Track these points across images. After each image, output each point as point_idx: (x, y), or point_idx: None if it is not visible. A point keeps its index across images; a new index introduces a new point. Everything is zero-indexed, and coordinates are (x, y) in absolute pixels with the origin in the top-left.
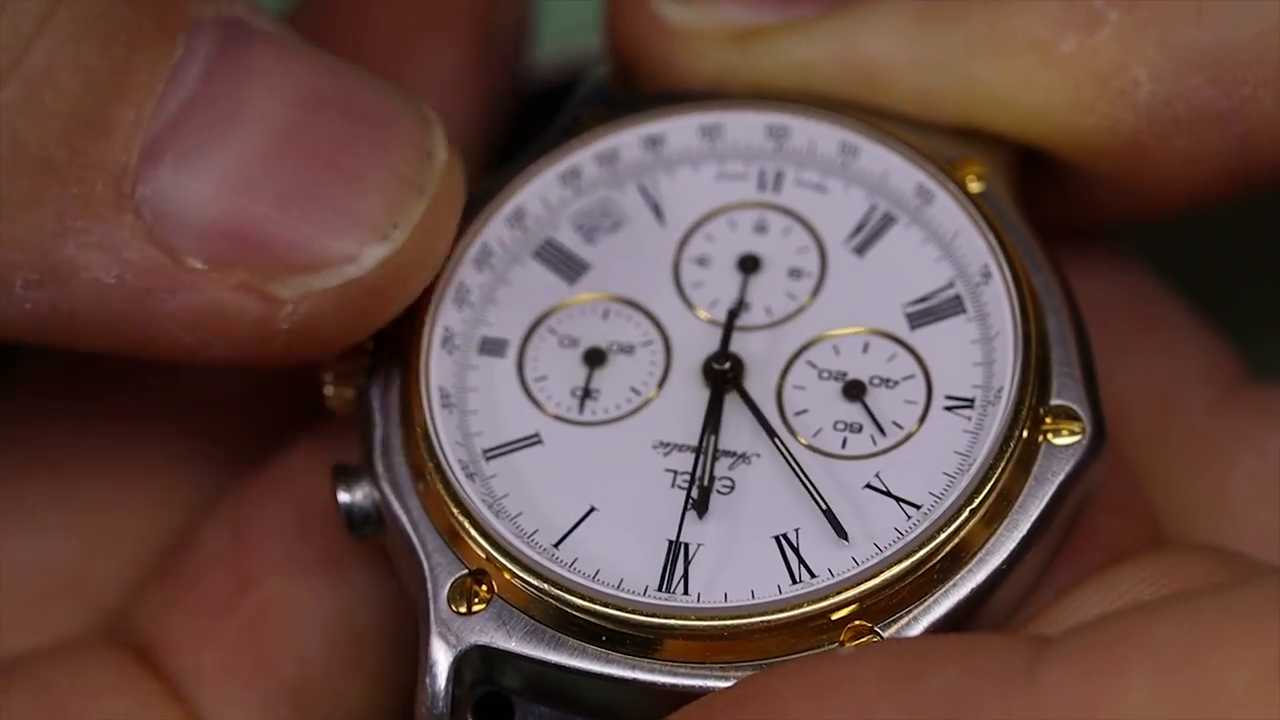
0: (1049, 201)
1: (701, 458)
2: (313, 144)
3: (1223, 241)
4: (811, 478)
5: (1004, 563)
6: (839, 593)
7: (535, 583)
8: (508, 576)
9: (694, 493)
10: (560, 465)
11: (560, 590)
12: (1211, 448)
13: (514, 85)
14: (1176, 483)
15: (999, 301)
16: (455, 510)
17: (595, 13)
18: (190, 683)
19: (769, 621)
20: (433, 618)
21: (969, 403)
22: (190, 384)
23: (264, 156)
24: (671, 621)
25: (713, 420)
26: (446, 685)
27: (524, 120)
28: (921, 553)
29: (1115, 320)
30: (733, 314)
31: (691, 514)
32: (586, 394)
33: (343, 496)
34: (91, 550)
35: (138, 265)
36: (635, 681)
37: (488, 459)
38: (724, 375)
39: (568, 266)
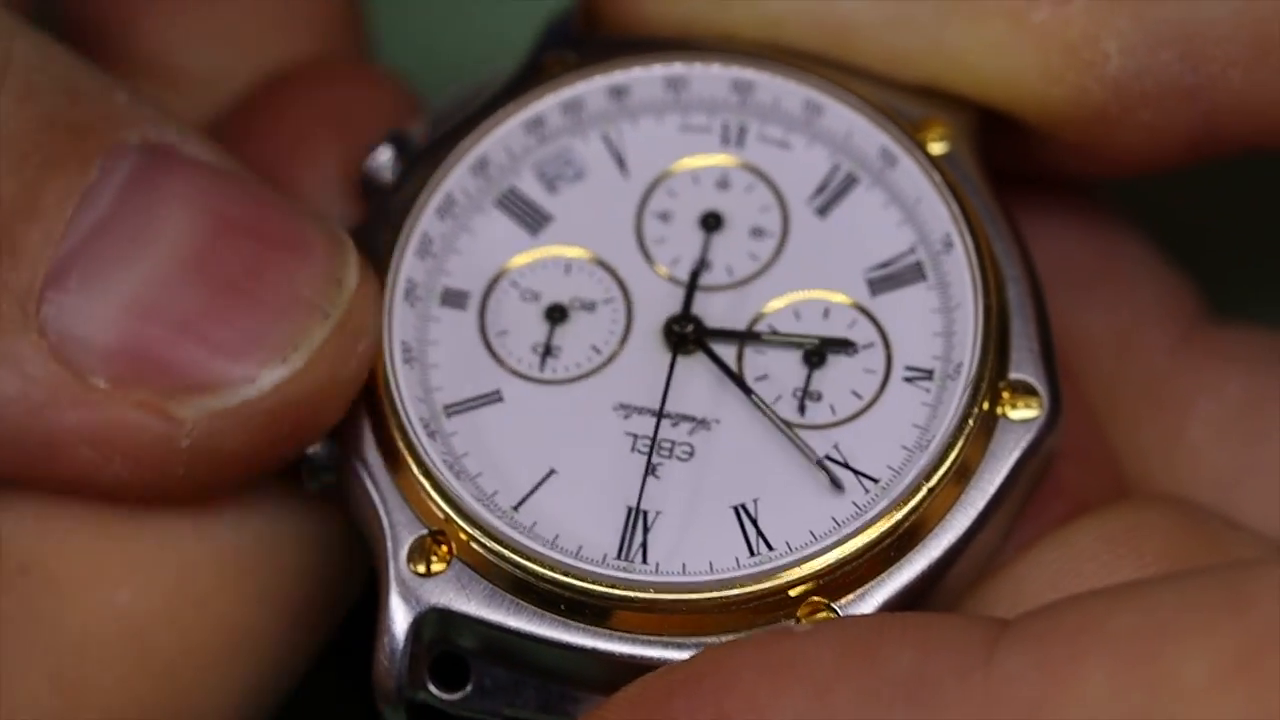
0: (1009, 154)
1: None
2: (218, 269)
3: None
4: (769, 447)
5: (960, 539)
6: (796, 569)
7: (494, 547)
8: (466, 539)
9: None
10: (521, 424)
11: (519, 556)
12: (1169, 390)
13: None
14: (1134, 425)
15: (960, 272)
16: (416, 470)
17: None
18: None
19: (726, 598)
20: (392, 576)
21: (928, 374)
22: None
23: (168, 280)
24: (630, 594)
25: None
26: (405, 644)
27: None
28: (879, 529)
29: (1079, 259)
30: (695, 274)
31: (652, 479)
32: (548, 351)
33: None
34: None
35: (41, 382)
36: (592, 650)
37: (448, 415)
38: (686, 338)
39: (530, 217)
